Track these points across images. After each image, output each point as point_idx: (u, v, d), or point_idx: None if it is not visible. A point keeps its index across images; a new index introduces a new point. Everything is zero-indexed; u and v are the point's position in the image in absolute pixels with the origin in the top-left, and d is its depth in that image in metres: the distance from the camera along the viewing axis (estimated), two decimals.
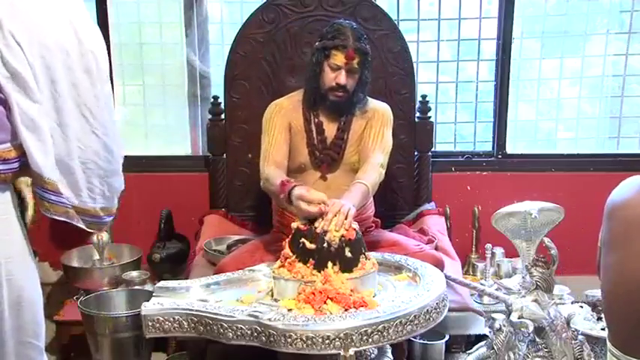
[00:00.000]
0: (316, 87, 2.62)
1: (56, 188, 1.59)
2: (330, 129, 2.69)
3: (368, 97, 2.73)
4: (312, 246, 2.09)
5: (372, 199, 2.75)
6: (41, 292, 1.71)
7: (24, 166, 1.57)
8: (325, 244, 2.09)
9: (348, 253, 2.10)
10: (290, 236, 2.19)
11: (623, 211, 1.61)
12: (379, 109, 2.72)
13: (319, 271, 2.07)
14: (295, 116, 2.69)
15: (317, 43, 2.62)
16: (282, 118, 2.67)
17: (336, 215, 2.14)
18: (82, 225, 1.70)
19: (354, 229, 2.15)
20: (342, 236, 2.11)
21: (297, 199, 2.22)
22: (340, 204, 2.18)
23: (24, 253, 1.63)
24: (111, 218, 1.77)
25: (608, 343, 1.69)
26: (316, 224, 2.14)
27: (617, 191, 1.67)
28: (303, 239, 2.11)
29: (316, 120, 2.68)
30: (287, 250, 2.15)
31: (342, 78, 2.55)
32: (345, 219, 2.14)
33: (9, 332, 1.60)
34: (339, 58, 2.54)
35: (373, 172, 2.52)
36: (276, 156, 2.62)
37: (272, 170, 2.55)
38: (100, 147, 1.63)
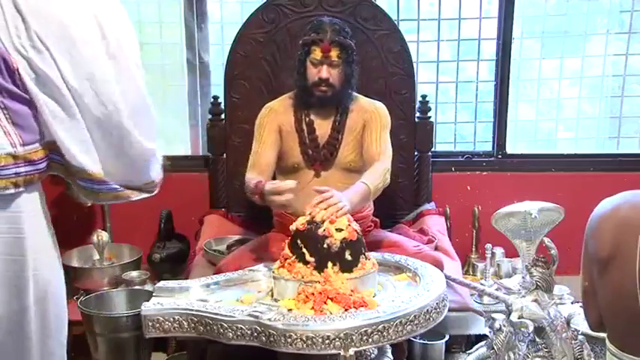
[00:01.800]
0: (304, 85, 2.64)
1: (102, 178, 1.61)
2: (324, 127, 2.69)
3: (359, 95, 2.74)
4: (312, 259, 2.08)
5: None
6: (65, 288, 1.72)
7: (54, 162, 1.58)
8: (326, 246, 2.08)
9: (348, 257, 2.09)
10: (290, 237, 2.18)
11: (610, 222, 1.63)
12: (377, 110, 2.71)
13: (319, 273, 2.07)
14: (286, 118, 2.70)
15: (300, 42, 2.65)
16: (272, 123, 2.69)
17: (329, 206, 2.14)
18: (142, 196, 1.73)
19: (355, 230, 2.15)
20: (344, 238, 2.10)
21: (269, 194, 2.30)
22: (337, 198, 2.18)
23: (50, 249, 1.66)
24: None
25: (607, 342, 1.70)
26: (318, 225, 2.13)
27: (598, 209, 1.70)
28: (303, 249, 2.10)
29: (307, 119, 2.68)
30: (287, 251, 2.15)
31: (323, 72, 2.57)
32: (337, 212, 2.14)
33: (34, 327, 1.62)
34: (317, 53, 2.57)
35: (379, 177, 2.52)
36: (261, 164, 2.65)
37: (250, 176, 2.59)
38: (135, 140, 1.63)
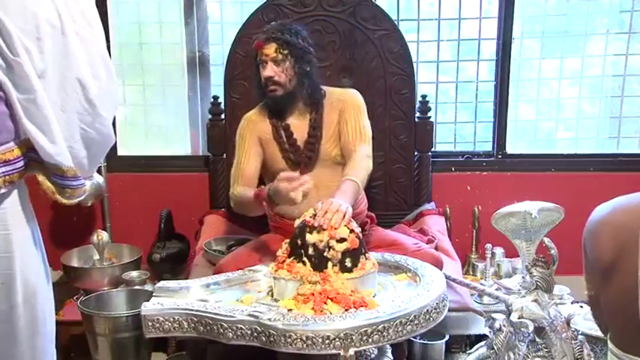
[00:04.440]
0: (261, 91, 2.65)
1: (75, 174, 1.60)
2: (302, 129, 2.66)
3: (330, 88, 2.72)
4: (311, 261, 2.08)
5: (363, 193, 2.74)
6: (51, 287, 1.72)
7: (33, 161, 1.58)
8: (326, 256, 2.07)
9: (348, 263, 2.09)
10: (289, 238, 2.18)
11: (608, 226, 1.63)
12: (349, 97, 2.68)
13: (319, 272, 2.07)
14: (264, 127, 2.69)
15: None
16: (252, 133, 2.69)
17: (335, 214, 2.12)
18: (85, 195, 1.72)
19: (357, 236, 2.13)
20: (346, 249, 2.08)
21: (278, 184, 2.26)
22: (338, 203, 2.17)
23: (36, 246, 1.66)
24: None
25: (609, 343, 1.69)
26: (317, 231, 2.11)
27: (595, 215, 1.69)
28: (304, 257, 2.09)
29: (283, 124, 2.67)
30: (284, 253, 2.16)
31: (266, 70, 2.55)
32: (343, 217, 2.13)
33: (23, 325, 1.62)
34: (258, 54, 2.57)
35: (361, 166, 2.50)
36: (246, 176, 2.64)
37: (240, 189, 2.59)
38: (100, 124, 1.62)
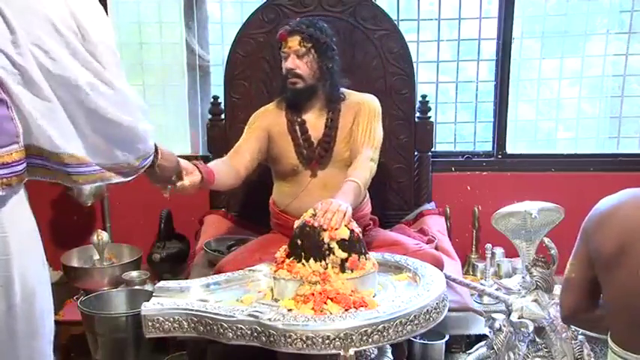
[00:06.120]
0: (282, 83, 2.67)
1: (84, 160, 1.61)
2: (317, 127, 2.67)
3: (351, 91, 2.73)
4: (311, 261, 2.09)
5: (368, 196, 2.74)
6: (50, 288, 1.72)
7: (33, 167, 1.57)
8: (327, 260, 2.07)
9: (347, 270, 2.09)
10: (290, 238, 2.18)
11: (615, 219, 1.62)
12: (366, 101, 2.69)
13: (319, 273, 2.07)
14: (278, 120, 2.70)
15: None
16: (262, 122, 2.71)
17: (335, 213, 2.11)
18: (119, 179, 1.72)
19: (357, 234, 2.13)
20: (346, 258, 2.08)
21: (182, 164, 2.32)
22: (337, 203, 2.17)
23: (35, 248, 1.66)
24: (148, 160, 1.81)
25: (609, 340, 1.70)
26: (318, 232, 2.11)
27: (601, 206, 1.69)
28: (303, 259, 2.09)
29: (299, 119, 2.67)
30: (282, 254, 2.16)
31: (289, 62, 2.57)
32: (344, 217, 2.12)
33: (22, 326, 1.62)
34: (282, 45, 2.60)
35: (363, 168, 2.51)
36: (240, 148, 2.66)
37: (224, 157, 2.61)
38: (118, 122, 1.62)
